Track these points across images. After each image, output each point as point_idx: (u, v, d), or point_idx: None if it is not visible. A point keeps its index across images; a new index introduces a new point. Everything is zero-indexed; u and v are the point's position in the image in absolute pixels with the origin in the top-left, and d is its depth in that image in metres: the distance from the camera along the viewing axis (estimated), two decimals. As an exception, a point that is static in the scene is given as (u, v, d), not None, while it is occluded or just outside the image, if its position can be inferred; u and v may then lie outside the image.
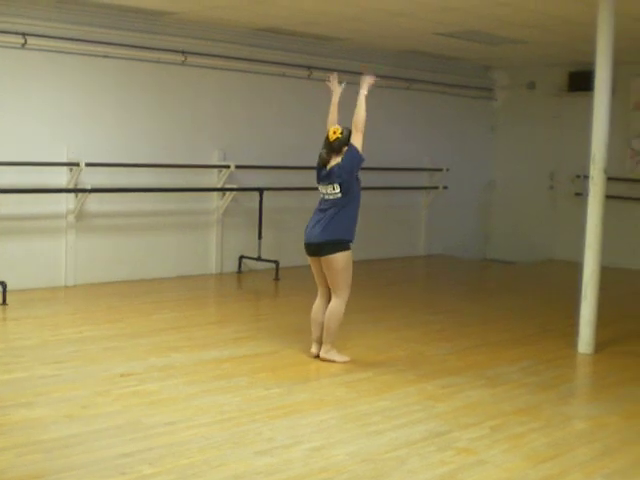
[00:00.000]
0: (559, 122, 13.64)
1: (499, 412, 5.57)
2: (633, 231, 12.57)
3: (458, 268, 13.07)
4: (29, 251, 9.27)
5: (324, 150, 6.74)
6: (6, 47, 8.93)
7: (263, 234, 10.96)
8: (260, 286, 10.61)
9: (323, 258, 6.57)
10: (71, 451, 4.58)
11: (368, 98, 6.83)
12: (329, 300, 6.71)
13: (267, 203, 10.97)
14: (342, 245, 6.55)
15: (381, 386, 6.09)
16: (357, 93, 6.83)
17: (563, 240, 13.36)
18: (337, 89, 7.00)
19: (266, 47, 11.00)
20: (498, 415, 5.50)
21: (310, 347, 6.82)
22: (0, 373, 6.10)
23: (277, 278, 10.58)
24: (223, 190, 10.82)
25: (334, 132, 6.68)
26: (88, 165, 9.43)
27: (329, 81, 7.03)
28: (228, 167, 10.72)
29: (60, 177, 9.45)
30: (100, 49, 9.58)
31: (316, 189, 11.61)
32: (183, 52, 10.27)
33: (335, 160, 6.65)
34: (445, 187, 13.45)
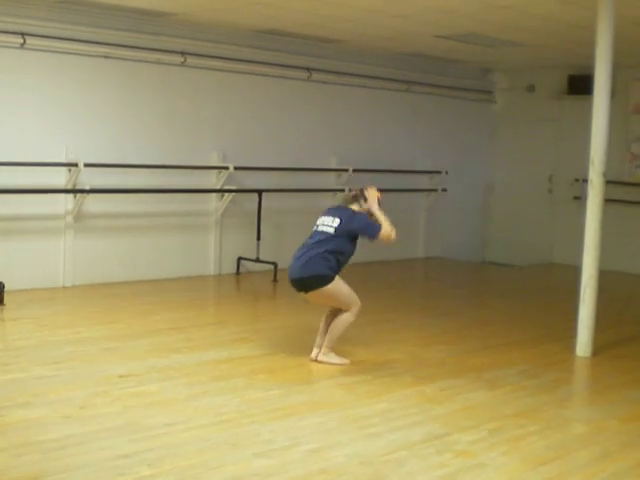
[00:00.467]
0: (558, 125, 13.65)
1: (498, 415, 5.56)
2: (632, 235, 12.57)
3: (457, 271, 13.08)
4: (27, 251, 9.27)
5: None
6: (5, 47, 8.92)
7: (262, 235, 10.95)
8: (259, 287, 10.61)
9: (309, 293, 6.55)
10: (69, 452, 4.57)
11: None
12: (338, 311, 6.70)
13: (266, 204, 10.97)
14: (325, 279, 6.48)
15: (380, 388, 6.09)
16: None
17: (562, 243, 13.37)
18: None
19: (266, 49, 11.00)
20: (497, 418, 5.49)
21: (307, 351, 6.81)
22: (-2, 373, 6.11)
23: (276, 279, 10.58)
24: (222, 191, 10.82)
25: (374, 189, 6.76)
26: (87, 166, 9.42)
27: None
28: (227, 168, 10.71)
29: (59, 177, 9.45)
30: (100, 49, 9.58)
31: (316, 190, 11.61)
32: (183, 53, 10.26)
33: (352, 205, 6.72)
34: (444, 190, 13.44)
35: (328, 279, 6.47)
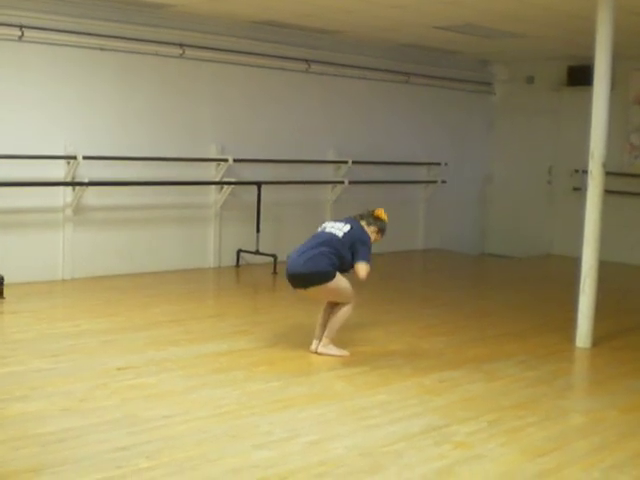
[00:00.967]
0: (557, 117, 13.63)
1: (496, 406, 5.56)
2: (631, 226, 12.56)
3: (456, 262, 13.08)
4: (26, 244, 9.26)
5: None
6: (3, 39, 8.90)
7: (261, 228, 10.95)
8: (258, 280, 10.60)
9: (309, 289, 6.54)
10: (67, 445, 4.57)
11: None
12: (335, 305, 6.69)
13: (265, 197, 10.96)
14: (327, 274, 6.47)
15: (379, 380, 6.09)
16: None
17: (561, 235, 13.37)
18: None
19: (264, 40, 10.97)
20: (495, 409, 5.49)
21: (307, 343, 6.81)
22: (-3, 366, 6.11)
23: (275, 272, 10.57)
24: (221, 184, 10.81)
25: (383, 213, 6.79)
26: (85, 158, 9.41)
27: None
28: (226, 160, 10.70)
29: (57, 170, 9.43)
30: (98, 42, 9.55)
31: (315, 182, 11.58)
32: (181, 45, 10.24)
33: (360, 221, 6.73)
34: (443, 181, 13.43)
35: (330, 275, 6.47)
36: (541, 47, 11.95)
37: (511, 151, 14.29)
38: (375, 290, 9.73)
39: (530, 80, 13.99)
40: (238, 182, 10.84)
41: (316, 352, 6.68)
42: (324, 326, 6.71)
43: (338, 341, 6.77)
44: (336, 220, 6.83)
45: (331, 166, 12.03)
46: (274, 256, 10.58)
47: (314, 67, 11.60)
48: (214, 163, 10.79)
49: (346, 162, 11.87)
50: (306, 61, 11.51)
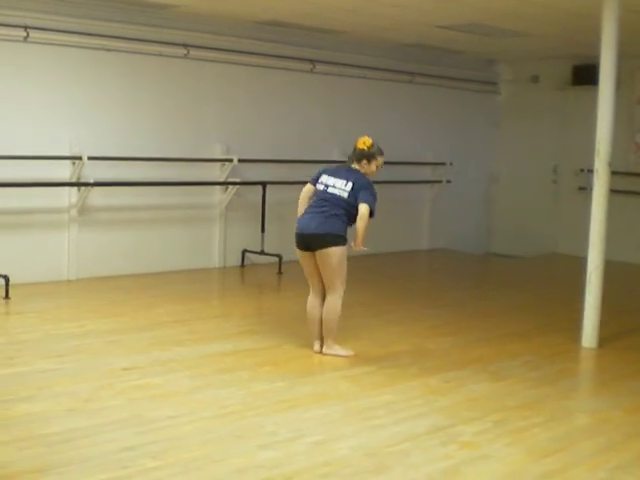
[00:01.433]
0: (562, 116, 13.61)
1: (502, 406, 5.56)
2: (637, 225, 12.54)
3: (461, 262, 13.06)
4: (32, 245, 9.27)
5: (350, 156, 6.75)
6: (8, 40, 8.91)
7: (266, 228, 10.94)
8: (263, 280, 10.60)
9: (318, 252, 6.51)
10: (73, 445, 4.58)
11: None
12: (323, 296, 6.69)
13: (270, 197, 10.95)
14: (339, 239, 6.48)
15: (384, 380, 6.09)
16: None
17: (566, 234, 13.34)
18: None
19: (269, 40, 10.98)
20: (501, 409, 5.49)
21: (312, 343, 6.81)
22: (2, 367, 6.10)
23: (280, 272, 10.57)
24: (226, 184, 10.81)
25: (364, 142, 6.65)
26: (91, 159, 9.42)
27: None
28: (231, 161, 10.70)
29: (63, 171, 9.44)
30: (102, 42, 9.56)
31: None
32: (185, 45, 10.25)
33: (355, 166, 6.67)
34: (448, 181, 13.42)
35: (342, 240, 6.47)
36: (546, 46, 11.93)
37: (516, 151, 14.27)
38: (380, 290, 9.75)
39: (535, 79, 13.97)
40: (243, 182, 10.84)
41: (321, 353, 6.68)
42: (318, 322, 6.70)
43: (341, 341, 6.77)
44: (334, 175, 6.65)
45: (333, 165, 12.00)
46: (279, 256, 10.57)
47: (318, 67, 11.60)
48: (219, 163, 10.79)
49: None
50: (310, 61, 11.51)
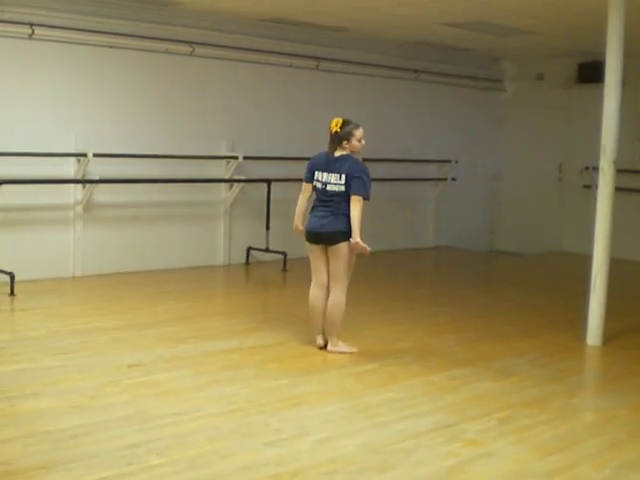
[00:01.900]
0: (568, 114, 13.60)
1: (507, 404, 5.56)
2: (641, 223, 12.53)
3: (466, 260, 13.06)
4: (37, 242, 9.28)
5: (329, 142, 6.70)
6: (14, 37, 8.93)
7: (271, 225, 10.95)
8: (268, 277, 10.61)
9: (330, 247, 6.56)
10: (78, 441, 4.59)
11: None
12: (325, 288, 6.70)
13: (275, 194, 10.95)
14: (350, 234, 6.52)
15: (388, 377, 6.09)
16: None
17: (571, 232, 13.33)
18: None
19: (274, 38, 10.98)
20: (506, 407, 5.49)
21: (316, 339, 6.82)
22: (7, 364, 6.11)
23: (285, 269, 10.58)
24: (231, 181, 10.82)
25: (336, 124, 6.62)
26: (96, 156, 9.43)
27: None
28: (236, 158, 10.71)
29: (68, 168, 9.46)
30: (107, 39, 9.57)
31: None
32: (190, 43, 10.25)
33: (340, 152, 6.61)
34: (453, 179, 13.42)
35: (349, 235, 6.49)
36: (551, 44, 11.92)
37: (521, 148, 14.27)
38: (384, 288, 9.75)
39: (540, 77, 13.96)
40: (248, 180, 10.85)
41: (325, 349, 6.68)
42: (321, 315, 6.72)
43: (345, 338, 6.77)
44: (327, 170, 6.61)
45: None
46: (284, 253, 10.58)
47: (323, 64, 11.60)
48: (224, 161, 10.80)
49: (361, 161, 11.83)
50: (315, 58, 11.51)
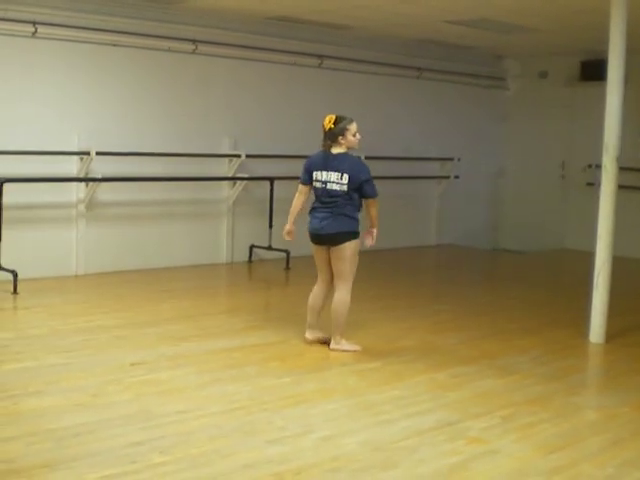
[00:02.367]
0: (571, 112, 13.58)
1: (510, 402, 5.56)
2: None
3: (469, 258, 13.06)
4: (40, 240, 9.29)
5: (323, 140, 6.72)
6: (17, 36, 8.93)
7: (274, 223, 10.92)
8: (271, 275, 10.61)
9: (333, 248, 6.56)
10: (81, 440, 4.59)
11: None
12: (329, 287, 6.71)
13: (278, 192, 10.94)
14: (351, 234, 6.54)
15: (391, 375, 6.08)
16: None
17: (574, 230, 13.32)
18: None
19: (277, 36, 10.97)
20: (509, 405, 5.49)
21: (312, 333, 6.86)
22: (10, 362, 6.12)
23: (288, 267, 10.58)
24: (234, 179, 10.82)
25: (329, 121, 6.63)
26: (99, 154, 9.43)
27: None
28: (239, 156, 10.71)
29: (71, 166, 9.46)
30: (110, 38, 9.57)
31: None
32: (194, 41, 10.25)
33: (337, 149, 6.61)
34: (456, 177, 13.41)
35: (353, 235, 6.53)
36: (554, 42, 11.91)
37: (524, 146, 14.25)
38: (388, 286, 9.76)
39: (543, 75, 13.95)
40: (251, 178, 10.85)
41: (328, 348, 6.69)
42: (317, 312, 6.75)
43: (349, 337, 6.77)
44: (325, 169, 6.62)
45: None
46: (287, 252, 10.57)
47: (326, 62, 11.59)
48: (227, 159, 10.80)
49: (358, 157, 11.82)
50: (318, 56, 11.51)
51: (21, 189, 8.98)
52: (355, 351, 6.64)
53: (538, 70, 13.99)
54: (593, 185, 11.77)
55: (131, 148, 9.83)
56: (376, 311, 8.21)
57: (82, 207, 9.58)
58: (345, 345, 6.68)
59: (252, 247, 11.10)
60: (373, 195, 6.58)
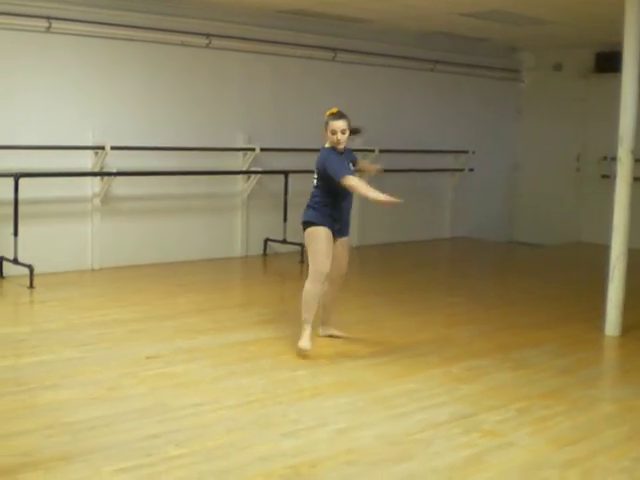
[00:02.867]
0: (586, 104, 13.53)
1: (525, 395, 5.55)
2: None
3: (484, 251, 13.03)
4: (55, 235, 9.33)
5: None
6: (31, 31, 8.95)
7: (288, 217, 10.94)
8: (285, 269, 10.62)
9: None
10: (97, 433, 4.62)
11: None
12: (328, 282, 6.63)
13: (292, 186, 10.95)
14: (306, 223, 6.48)
15: (406, 369, 6.08)
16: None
17: (589, 222, 13.28)
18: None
19: (290, 29, 10.97)
20: (524, 398, 5.48)
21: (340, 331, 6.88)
22: (27, 356, 6.17)
23: (302, 261, 10.58)
24: (248, 173, 10.83)
25: (327, 112, 6.64)
26: (113, 148, 9.46)
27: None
28: (253, 150, 10.72)
29: (86, 160, 9.49)
30: (124, 32, 9.59)
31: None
32: (207, 35, 10.26)
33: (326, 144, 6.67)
34: (471, 169, 13.38)
35: (309, 224, 6.44)
36: (569, 34, 11.86)
37: (539, 138, 14.21)
38: (402, 279, 9.75)
39: (558, 67, 13.91)
40: (265, 171, 10.86)
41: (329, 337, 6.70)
42: (324, 308, 6.76)
43: (363, 331, 6.78)
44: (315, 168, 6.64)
45: (358, 154, 11.99)
46: (301, 245, 10.56)
47: (340, 56, 11.58)
48: (241, 152, 10.81)
49: (373, 150, 11.84)
50: (332, 50, 11.50)
51: (36, 184, 9.02)
52: (304, 349, 6.30)
53: (553, 62, 13.95)
54: (608, 177, 11.72)
55: (145, 142, 9.86)
56: (391, 304, 8.21)
57: (97, 201, 9.61)
58: (303, 337, 6.37)
59: (267, 240, 11.12)
60: (336, 177, 6.25)
